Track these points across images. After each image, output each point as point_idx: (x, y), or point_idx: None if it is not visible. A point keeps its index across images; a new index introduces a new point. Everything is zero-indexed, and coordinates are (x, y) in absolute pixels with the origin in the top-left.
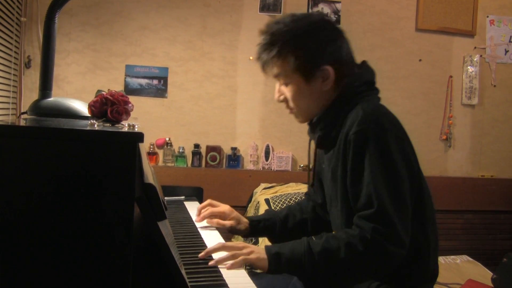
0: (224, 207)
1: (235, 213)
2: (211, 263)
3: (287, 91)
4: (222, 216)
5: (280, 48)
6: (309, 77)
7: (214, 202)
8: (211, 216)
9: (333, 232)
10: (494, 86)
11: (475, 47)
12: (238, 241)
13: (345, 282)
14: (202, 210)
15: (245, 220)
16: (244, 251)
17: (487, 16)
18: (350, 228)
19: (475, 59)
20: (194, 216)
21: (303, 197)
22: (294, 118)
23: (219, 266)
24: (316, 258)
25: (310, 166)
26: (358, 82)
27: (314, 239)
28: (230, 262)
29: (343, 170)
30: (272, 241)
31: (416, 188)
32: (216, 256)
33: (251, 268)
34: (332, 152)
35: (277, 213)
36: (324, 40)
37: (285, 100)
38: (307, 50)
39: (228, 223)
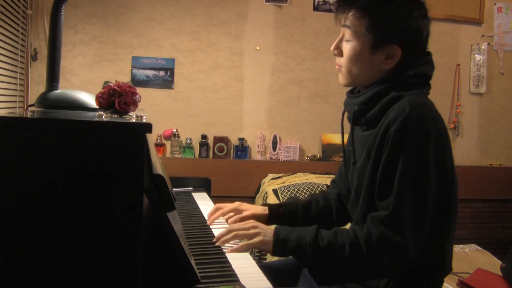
0: (232, 205)
1: (245, 204)
2: (217, 244)
3: (347, 48)
4: (236, 212)
5: (368, 3)
6: (376, 48)
7: (221, 204)
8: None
9: (343, 228)
10: (502, 74)
11: (482, 35)
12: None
13: (345, 279)
14: (212, 216)
15: (260, 207)
16: (250, 232)
17: (495, 4)
18: (362, 225)
19: (482, 47)
20: (202, 207)
21: (320, 187)
22: (338, 76)
23: (228, 256)
24: (320, 251)
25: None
26: (413, 72)
27: (323, 231)
28: (233, 246)
29: (375, 163)
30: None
31: (445, 197)
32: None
33: (260, 256)
34: (369, 134)
35: (299, 199)
36: (409, 17)
37: (339, 55)
38: (389, 20)
39: (247, 213)
